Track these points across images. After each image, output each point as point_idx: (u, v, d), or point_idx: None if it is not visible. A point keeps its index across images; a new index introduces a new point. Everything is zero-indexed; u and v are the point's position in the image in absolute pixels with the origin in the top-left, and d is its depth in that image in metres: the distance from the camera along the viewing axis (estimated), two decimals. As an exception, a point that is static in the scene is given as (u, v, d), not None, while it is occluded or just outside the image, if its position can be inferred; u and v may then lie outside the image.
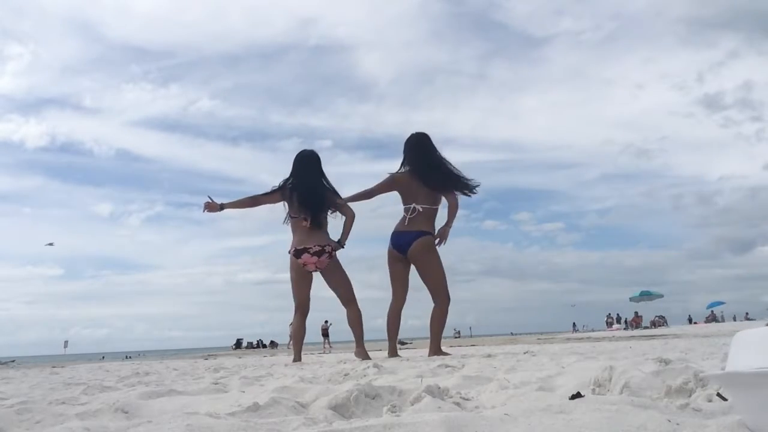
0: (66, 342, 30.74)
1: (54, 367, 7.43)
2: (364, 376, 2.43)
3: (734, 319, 30.68)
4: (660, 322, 31.43)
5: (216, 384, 2.34)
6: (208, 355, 15.27)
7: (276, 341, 33.66)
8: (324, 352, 12.16)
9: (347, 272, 5.21)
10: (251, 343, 34.70)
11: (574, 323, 37.48)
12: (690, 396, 1.23)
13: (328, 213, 5.15)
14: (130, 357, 23.48)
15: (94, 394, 2.16)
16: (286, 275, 5.26)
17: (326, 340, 23.46)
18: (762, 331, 0.86)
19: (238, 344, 34.59)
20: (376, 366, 2.72)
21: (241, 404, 1.42)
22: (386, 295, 5.08)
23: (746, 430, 0.86)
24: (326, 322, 23.94)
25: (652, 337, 11.03)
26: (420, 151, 5.02)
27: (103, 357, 26.76)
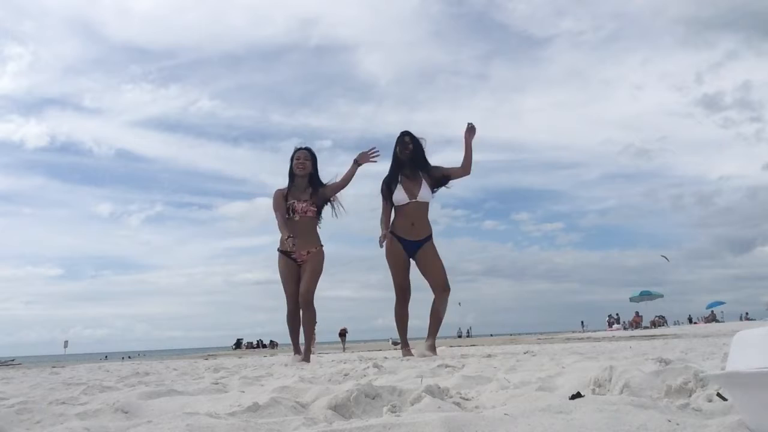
0: (66, 342, 30.69)
1: (54, 367, 7.43)
2: (364, 376, 2.43)
3: (740, 318, 30.57)
4: (660, 322, 31.39)
5: (216, 384, 2.34)
6: (208, 355, 15.29)
7: (276, 341, 33.70)
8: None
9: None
10: (251, 343, 34.78)
11: (582, 321, 36.80)
12: (690, 396, 1.23)
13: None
14: (130, 357, 23.51)
15: (94, 394, 2.15)
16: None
17: (343, 341, 24.42)
18: (762, 331, 0.86)
19: (238, 344, 34.66)
20: (376, 366, 2.71)
21: (241, 404, 1.42)
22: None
23: (746, 430, 0.86)
24: (344, 328, 25.20)
25: (652, 337, 11.03)
26: None
27: (106, 357, 26.77)
